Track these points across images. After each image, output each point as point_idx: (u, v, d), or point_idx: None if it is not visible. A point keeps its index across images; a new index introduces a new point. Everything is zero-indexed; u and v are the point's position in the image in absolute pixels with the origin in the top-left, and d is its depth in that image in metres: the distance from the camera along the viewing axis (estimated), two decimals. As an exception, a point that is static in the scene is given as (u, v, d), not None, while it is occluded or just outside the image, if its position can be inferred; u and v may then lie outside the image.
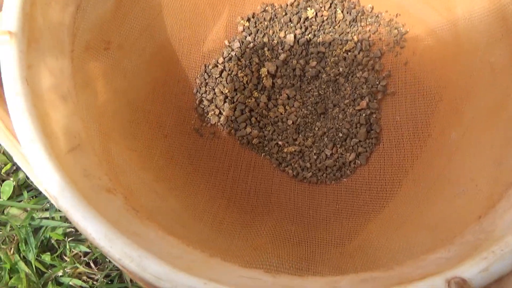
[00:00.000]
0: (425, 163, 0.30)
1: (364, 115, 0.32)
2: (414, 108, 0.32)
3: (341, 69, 0.34)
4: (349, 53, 0.34)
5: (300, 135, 0.33)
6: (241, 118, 0.34)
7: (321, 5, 0.35)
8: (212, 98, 0.34)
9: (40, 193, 0.39)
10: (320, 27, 0.35)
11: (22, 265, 0.35)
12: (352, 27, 0.35)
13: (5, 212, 0.38)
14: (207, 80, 0.34)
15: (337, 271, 0.22)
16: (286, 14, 0.36)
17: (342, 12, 0.35)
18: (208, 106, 0.34)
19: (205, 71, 0.35)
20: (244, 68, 0.35)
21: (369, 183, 0.31)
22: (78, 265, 0.36)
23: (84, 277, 0.37)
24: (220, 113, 0.34)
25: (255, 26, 0.36)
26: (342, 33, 0.35)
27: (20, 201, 0.38)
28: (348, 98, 0.33)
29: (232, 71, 0.35)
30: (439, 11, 0.31)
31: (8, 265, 0.35)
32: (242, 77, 0.34)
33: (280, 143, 0.33)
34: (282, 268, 0.23)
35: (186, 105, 0.34)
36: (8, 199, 0.38)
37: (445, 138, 0.29)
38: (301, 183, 0.32)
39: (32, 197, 0.39)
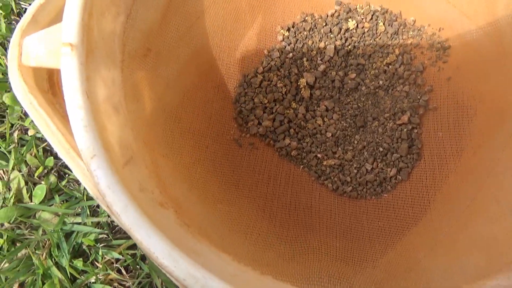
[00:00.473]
0: (469, 180, 0.30)
1: (405, 130, 0.32)
2: (457, 124, 0.31)
3: (381, 82, 0.34)
4: (390, 66, 0.34)
5: (340, 148, 0.33)
6: (280, 129, 0.33)
7: (362, 17, 0.35)
8: (252, 108, 0.34)
9: (71, 197, 0.39)
10: (360, 38, 0.35)
11: (55, 270, 0.35)
12: (393, 39, 0.35)
13: (36, 216, 0.38)
14: (246, 90, 0.34)
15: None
16: (326, 24, 0.36)
17: (383, 24, 0.35)
18: (248, 116, 0.34)
19: (244, 81, 0.35)
20: (283, 79, 0.35)
21: (411, 199, 0.31)
22: (110, 271, 0.36)
23: (116, 284, 0.37)
24: (259, 123, 0.34)
25: (295, 36, 0.36)
26: (383, 45, 0.35)
27: (52, 205, 0.38)
28: (388, 112, 0.33)
29: (272, 81, 0.34)
30: (482, 26, 0.31)
31: (41, 270, 0.35)
32: (281, 88, 0.34)
33: (319, 155, 0.33)
34: (331, 285, 0.23)
35: (225, 114, 0.34)
36: (40, 203, 0.38)
37: (490, 155, 0.29)
38: (341, 197, 0.32)
39: (63, 201, 0.39)
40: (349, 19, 0.35)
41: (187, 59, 0.34)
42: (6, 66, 0.42)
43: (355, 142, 0.33)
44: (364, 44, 0.35)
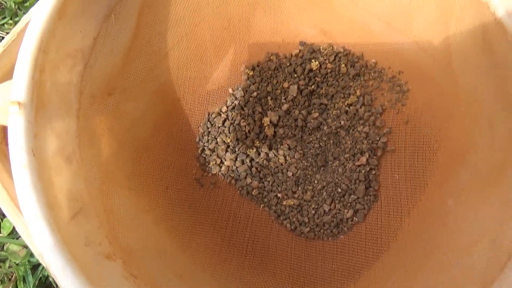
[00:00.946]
0: (422, 226, 0.30)
1: (363, 171, 0.33)
2: (413, 167, 0.32)
3: (342, 122, 0.35)
4: (351, 106, 0.35)
5: (300, 188, 0.34)
6: (242, 168, 0.34)
7: (325, 58, 0.36)
8: (214, 147, 0.35)
9: None
10: (323, 79, 0.36)
11: None
12: (355, 81, 0.35)
13: (5, 248, 0.39)
14: (209, 129, 0.35)
15: None
16: (290, 64, 0.36)
17: (345, 65, 0.36)
18: (210, 155, 0.34)
19: (208, 120, 0.35)
20: (247, 117, 0.35)
21: (365, 241, 0.31)
22: None
23: None
24: (222, 162, 0.34)
25: (260, 75, 0.37)
26: (345, 86, 0.35)
27: (20, 237, 0.39)
28: (348, 153, 0.34)
29: (235, 120, 0.35)
30: (443, 67, 0.32)
31: None
32: (245, 126, 0.35)
33: (279, 195, 0.34)
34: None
35: (188, 154, 0.34)
36: (8, 235, 0.38)
37: (442, 201, 0.30)
38: (299, 238, 0.32)
39: None
40: (313, 60, 0.36)
41: (153, 96, 0.34)
42: None
43: (315, 181, 0.34)
44: (327, 85, 0.36)
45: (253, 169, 0.34)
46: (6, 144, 0.27)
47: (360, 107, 0.35)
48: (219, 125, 0.35)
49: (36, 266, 0.38)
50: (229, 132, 0.35)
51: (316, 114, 0.35)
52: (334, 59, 0.36)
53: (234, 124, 0.35)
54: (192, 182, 0.33)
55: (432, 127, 0.32)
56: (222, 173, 0.34)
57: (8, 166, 0.24)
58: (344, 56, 0.36)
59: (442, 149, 0.31)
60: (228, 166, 0.34)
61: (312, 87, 0.36)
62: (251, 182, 0.34)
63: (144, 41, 0.32)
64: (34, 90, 0.23)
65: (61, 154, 0.24)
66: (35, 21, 0.23)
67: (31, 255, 0.38)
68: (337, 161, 0.34)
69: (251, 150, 0.35)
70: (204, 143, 0.35)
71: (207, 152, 0.34)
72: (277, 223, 0.33)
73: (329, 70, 0.36)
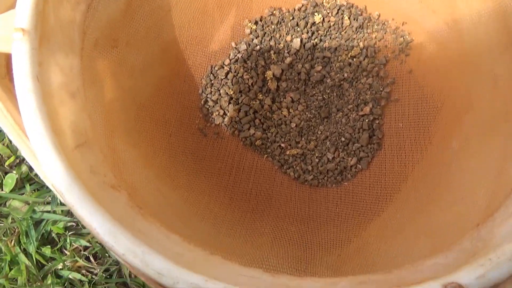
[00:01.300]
0: (425, 170, 0.30)
1: (367, 120, 0.33)
2: (417, 116, 0.32)
3: (345, 75, 0.35)
4: (354, 59, 0.35)
5: (303, 138, 0.34)
6: (245, 119, 0.34)
7: (328, 11, 0.36)
8: (217, 99, 0.34)
9: (43, 186, 0.40)
10: (326, 32, 0.36)
11: (22, 257, 0.36)
12: (358, 33, 0.35)
13: (7, 204, 0.39)
14: (212, 81, 0.35)
15: (336, 273, 0.23)
16: (293, 18, 0.36)
17: (349, 18, 0.35)
18: (213, 106, 0.34)
19: (211, 72, 0.35)
20: (249, 71, 0.35)
21: (370, 188, 0.31)
22: (78, 258, 0.37)
23: (84, 271, 0.37)
24: (225, 114, 0.34)
25: (262, 29, 0.36)
26: (348, 39, 0.35)
27: (22, 194, 0.39)
28: (352, 104, 0.34)
29: (238, 73, 0.35)
30: (446, 20, 0.32)
31: (9, 257, 0.36)
32: (248, 79, 0.35)
33: (282, 145, 0.34)
34: (281, 268, 0.24)
35: (191, 104, 0.34)
36: (11, 191, 0.39)
37: (445, 146, 0.30)
38: (302, 186, 0.32)
39: (34, 190, 0.39)
40: (316, 13, 0.36)
41: (156, 50, 0.34)
42: None
43: (319, 132, 0.34)
44: (330, 38, 0.36)
45: (256, 120, 0.34)
46: (10, 79, 0.27)
47: (364, 59, 0.35)
48: (222, 77, 0.35)
49: (38, 222, 0.38)
50: (232, 84, 0.35)
51: (319, 67, 0.35)
52: (337, 12, 0.36)
53: (237, 77, 0.35)
54: (195, 131, 0.33)
55: (436, 76, 0.32)
56: (225, 124, 0.34)
57: (12, 98, 0.24)
58: (347, 9, 0.36)
59: (446, 98, 0.31)
60: (232, 117, 0.34)
61: (315, 40, 0.36)
62: (254, 133, 0.34)
63: (147, -11, 0.32)
64: (38, 19, 0.23)
65: (65, 89, 0.24)
66: (39, -49, 0.23)
67: (33, 211, 0.38)
68: (341, 113, 0.34)
69: (254, 102, 0.35)
70: (207, 95, 0.35)
71: (210, 103, 0.34)
72: (281, 172, 0.33)
73: (332, 23, 0.36)
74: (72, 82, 0.25)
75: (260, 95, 0.35)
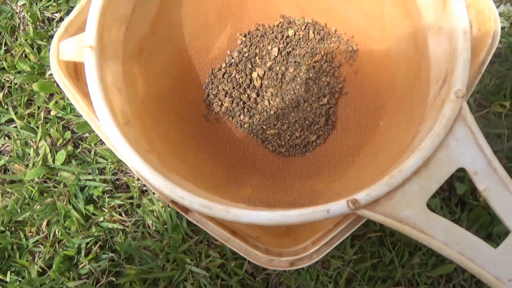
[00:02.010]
0: (364, 141, 0.41)
1: (325, 108, 0.44)
2: (359, 104, 0.43)
3: (311, 75, 0.46)
4: (317, 63, 0.46)
5: (279, 122, 0.45)
6: (237, 108, 0.45)
7: (298, 27, 0.47)
8: (216, 93, 0.45)
9: (84, 161, 0.50)
10: (297, 43, 0.47)
11: (73, 212, 0.47)
12: (320, 43, 0.46)
13: (58, 174, 0.50)
14: (213, 80, 0.46)
15: (292, 207, 0.34)
16: (273, 32, 0.47)
17: (313, 32, 0.46)
18: (213, 98, 0.45)
19: (212, 73, 0.46)
20: (240, 72, 0.46)
21: (325, 156, 0.42)
22: (114, 214, 0.48)
23: (118, 223, 0.48)
24: (222, 104, 0.45)
25: (250, 40, 0.47)
26: (313, 48, 0.46)
27: (70, 166, 0.50)
28: (315, 96, 0.45)
29: (232, 73, 0.46)
30: (380, 37, 0.43)
31: (63, 212, 0.47)
32: (239, 78, 0.46)
33: (264, 127, 0.45)
34: (260, 204, 0.35)
35: (197, 97, 0.45)
36: (61, 164, 0.49)
37: (376, 124, 0.41)
38: (278, 156, 0.43)
39: (78, 164, 0.50)
40: (289, 29, 0.47)
41: (171, 56, 0.45)
42: (35, 62, 0.53)
43: (291, 117, 0.45)
44: (299, 47, 0.47)
45: (245, 109, 0.45)
46: (77, 79, 0.37)
47: (324, 63, 0.46)
48: (220, 77, 0.46)
49: (83, 188, 0.49)
50: (227, 82, 0.46)
51: (292, 69, 0.46)
52: (305, 27, 0.47)
53: (231, 77, 0.46)
54: (200, 117, 0.44)
55: (372, 76, 0.43)
56: (222, 112, 0.45)
57: (79, 91, 0.35)
58: (312, 25, 0.46)
59: (376, 90, 0.42)
60: (227, 107, 0.45)
61: (289, 49, 0.47)
62: (243, 118, 0.45)
63: (165, 13, 0.43)
64: (99, 39, 0.33)
65: (115, 86, 0.35)
66: (98, -6, 0.33)
67: (79, 179, 0.49)
68: (307, 103, 0.45)
69: (243, 96, 0.46)
70: (209, 90, 0.46)
71: (211, 96, 0.45)
72: (263, 147, 0.44)
73: (301, 36, 0.47)
74: (118, 81, 0.36)
75: (248, 90, 0.46)
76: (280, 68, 0.46)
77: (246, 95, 0.46)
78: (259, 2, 0.47)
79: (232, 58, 0.47)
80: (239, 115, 0.45)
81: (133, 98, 0.37)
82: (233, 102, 0.45)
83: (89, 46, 0.32)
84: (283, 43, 0.47)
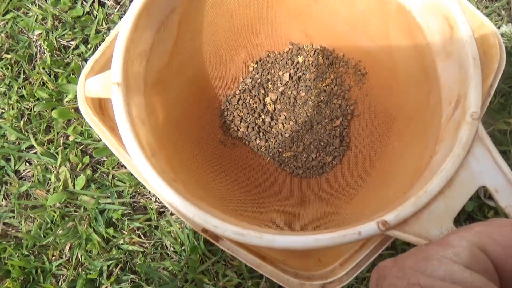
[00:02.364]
0: (378, 160, 0.42)
1: (338, 130, 0.45)
2: (371, 125, 0.44)
3: (322, 98, 0.47)
4: (327, 86, 0.47)
5: (294, 144, 0.46)
6: (252, 133, 0.46)
7: (307, 53, 0.48)
8: (232, 119, 0.46)
9: (103, 185, 0.50)
10: (307, 68, 0.48)
11: (94, 235, 0.47)
12: (329, 68, 0.48)
13: (78, 198, 0.49)
14: (228, 106, 0.47)
15: (318, 229, 0.34)
16: (283, 58, 0.48)
17: (322, 58, 0.48)
18: (229, 124, 0.46)
19: (227, 100, 0.47)
20: (254, 97, 0.47)
21: (343, 177, 0.43)
22: (133, 236, 0.47)
23: (137, 245, 0.48)
24: (238, 129, 0.46)
25: (261, 67, 0.48)
26: (323, 72, 0.48)
27: (89, 190, 0.49)
28: (327, 118, 0.46)
29: (246, 99, 0.47)
30: (387, 60, 0.44)
31: (84, 235, 0.47)
32: (253, 104, 0.47)
33: (280, 150, 0.45)
34: (285, 228, 0.35)
35: (213, 124, 0.46)
36: (81, 189, 0.49)
37: (390, 145, 0.42)
38: (295, 178, 0.44)
39: (97, 187, 0.50)
40: (299, 55, 0.48)
41: (187, 84, 0.46)
42: (52, 89, 0.53)
43: (305, 139, 0.46)
44: (309, 72, 0.48)
45: (260, 133, 0.46)
46: (102, 114, 0.38)
47: (334, 87, 0.47)
48: (235, 103, 0.47)
49: (102, 211, 0.49)
50: (242, 108, 0.47)
51: (303, 93, 0.47)
52: (314, 53, 0.48)
53: (246, 102, 0.47)
54: (218, 143, 0.45)
55: (382, 98, 0.44)
56: (238, 137, 0.46)
57: (106, 125, 0.35)
58: (321, 51, 0.48)
59: (387, 112, 0.43)
60: (243, 132, 0.46)
61: (299, 74, 0.48)
62: (259, 142, 0.46)
63: (181, 44, 0.44)
64: (124, 76, 0.34)
65: (138, 118, 0.35)
66: (122, 33, 0.34)
67: (98, 203, 0.49)
68: (320, 125, 0.46)
69: (258, 120, 0.46)
70: (225, 116, 0.46)
71: (227, 122, 0.46)
72: (280, 169, 0.45)
73: (310, 62, 0.48)
74: (141, 113, 0.36)
75: (262, 115, 0.47)
76: (292, 93, 0.47)
77: (261, 120, 0.46)
78: (268, 30, 0.49)
79: (245, 84, 0.48)
80: (255, 139, 0.46)
81: (155, 128, 0.38)
82: (248, 127, 0.46)
83: (116, 83, 0.33)
84: (294, 68, 0.48)
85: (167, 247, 0.47)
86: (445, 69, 0.35)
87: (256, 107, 0.47)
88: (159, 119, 0.40)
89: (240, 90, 0.47)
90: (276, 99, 0.47)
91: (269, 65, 0.48)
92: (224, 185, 0.41)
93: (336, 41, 0.48)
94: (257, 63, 0.48)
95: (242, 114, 0.46)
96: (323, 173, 0.44)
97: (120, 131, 0.32)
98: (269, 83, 0.48)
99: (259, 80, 0.48)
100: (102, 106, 0.37)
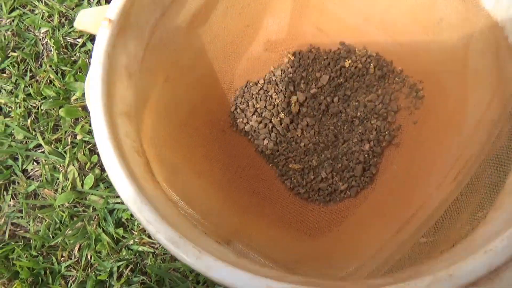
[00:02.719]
0: (410, 212, 0.31)
1: (365, 155, 0.35)
2: (412, 163, 0.33)
3: (359, 113, 0.37)
4: (370, 102, 0.37)
5: (307, 157, 0.36)
6: (263, 130, 0.38)
7: (358, 58, 0.39)
8: (244, 108, 0.39)
9: (112, 184, 0.45)
10: (352, 75, 0.39)
11: (104, 236, 0.42)
12: (379, 81, 0.38)
13: (87, 198, 0.45)
14: (244, 93, 0.39)
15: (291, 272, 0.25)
16: (326, 58, 0.40)
17: (374, 67, 0.38)
18: (239, 114, 0.39)
19: (246, 86, 0.40)
20: (279, 92, 0.39)
21: (351, 216, 0.33)
22: (143, 236, 0.42)
23: (147, 245, 0.42)
24: (248, 122, 0.38)
25: (299, 62, 0.40)
26: (370, 84, 0.38)
27: (98, 190, 0.45)
28: (357, 138, 0.36)
29: (269, 91, 0.39)
30: (455, 94, 0.33)
31: (94, 236, 0.42)
32: (275, 99, 0.39)
33: (288, 158, 0.37)
34: (250, 252, 0.27)
35: (216, 117, 0.39)
36: (90, 188, 0.45)
37: (428, 194, 0.30)
38: (294, 197, 0.35)
39: (106, 187, 0.45)
40: (347, 59, 0.39)
41: (191, 83, 0.39)
42: (59, 87, 0.51)
43: (322, 155, 0.36)
44: (353, 80, 0.39)
45: (272, 134, 0.38)
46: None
47: (378, 104, 0.37)
48: (254, 92, 0.39)
49: (112, 211, 0.44)
50: (260, 100, 0.39)
51: (338, 102, 0.38)
52: (366, 60, 0.39)
53: (267, 95, 0.39)
54: (217, 129, 0.38)
55: (439, 131, 0.33)
56: (245, 130, 0.38)
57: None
58: (375, 59, 0.38)
59: (440, 152, 0.32)
60: (252, 126, 0.38)
61: (341, 80, 0.39)
62: (267, 143, 0.37)
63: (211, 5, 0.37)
64: (122, 16, 0.29)
65: (126, 69, 0.30)
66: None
67: (107, 203, 0.44)
68: (346, 144, 0.36)
69: (275, 119, 0.38)
70: (237, 103, 0.39)
71: (238, 110, 0.39)
72: (279, 181, 0.36)
73: (358, 69, 0.39)
74: (133, 65, 0.31)
75: (282, 114, 0.39)
76: (325, 99, 0.38)
77: (278, 119, 0.38)
78: (279, 24, 0.40)
79: (274, 75, 0.40)
80: (263, 139, 0.38)
81: (144, 89, 0.32)
82: (261, 122, 0.38)
83: (108, 19, 0.28)
84: (336, 72, 0.39)
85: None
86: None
87: (277, 103, 0.39)
88: (155, 82, 0.34)
89: (265, 80, 0.40)
90: (304, 101, 0.39)
91: (308, 61, 0.40)
92: (208, 176, 0.33)
93: (397, 52, 0.38)
94: (294, 55, 0.40)
95: (258, 106, 0.38)
96: (329, 202, 0.34)
97: (89, 73, 0.26)
98: (302, 81, 0.40)
99: (291, 75, 0.40)
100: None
